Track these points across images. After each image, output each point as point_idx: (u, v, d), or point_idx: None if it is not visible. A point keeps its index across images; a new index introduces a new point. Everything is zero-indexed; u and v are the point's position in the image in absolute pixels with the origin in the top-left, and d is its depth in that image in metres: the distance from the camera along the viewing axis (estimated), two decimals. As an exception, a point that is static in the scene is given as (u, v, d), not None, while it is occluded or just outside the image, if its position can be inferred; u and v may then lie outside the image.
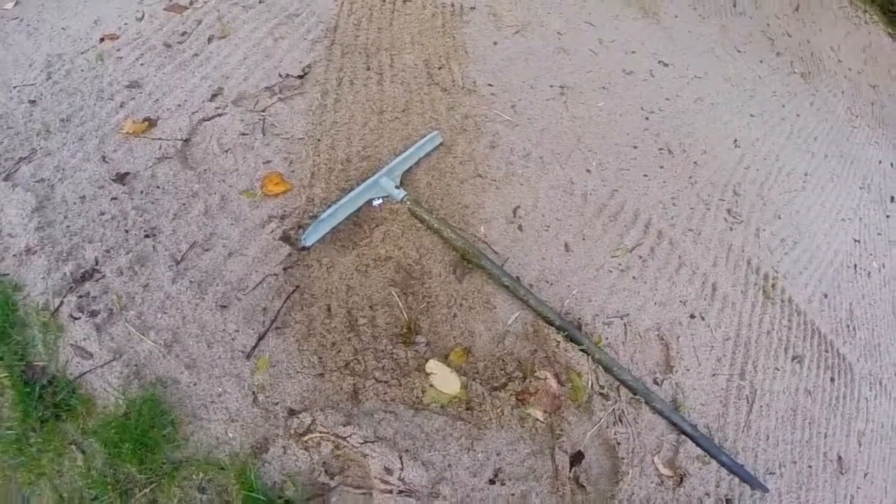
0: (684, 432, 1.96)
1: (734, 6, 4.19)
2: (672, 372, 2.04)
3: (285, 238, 1.76)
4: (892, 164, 4.05)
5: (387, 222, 1.90)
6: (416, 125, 2.22)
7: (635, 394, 1.90)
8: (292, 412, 1.35)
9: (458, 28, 2.66)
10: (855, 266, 3.12)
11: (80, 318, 1.38)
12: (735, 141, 3.10)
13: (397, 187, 1.95)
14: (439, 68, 2.47)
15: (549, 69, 2.73)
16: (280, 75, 2.20)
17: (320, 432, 1.30)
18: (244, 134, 1.99)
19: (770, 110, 3.56)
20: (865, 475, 2.38)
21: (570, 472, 1.66)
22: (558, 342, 1.83)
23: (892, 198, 3.72)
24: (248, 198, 1.83)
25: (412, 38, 2.52)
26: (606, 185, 2.40)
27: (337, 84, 2.25)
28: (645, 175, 2.57)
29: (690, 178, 2.71)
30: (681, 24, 3.66)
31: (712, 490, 1.88)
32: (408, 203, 1.93)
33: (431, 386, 1.55)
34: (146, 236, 1.60)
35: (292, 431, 1.30)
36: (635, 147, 2.65)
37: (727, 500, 1.97)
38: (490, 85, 2.50)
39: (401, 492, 1.28)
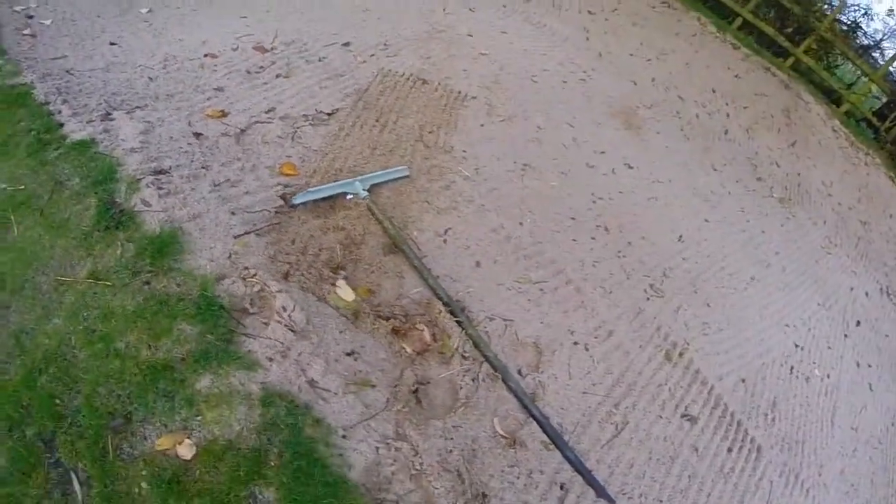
0: (533, 416, 2.70)
1: (725, 133, 5.50)
2: (539, 372, 2.95)
3: (283, 197, 3.12)
4: (866, 294, 4.90)
5: (350, 209, 3.20)
6: (395, 161, 3.60)
7: (495, 370, 2.89)
8: (246, 268, 2.60)
9: (456, 109, 4.21)
10: (791, 367, 3.92)
11: (151, 187, 2.69)
12: (680, 236, 4.23)
13: (365, 191, 3.32)
14: (429, 132, 3.94)
15: (518, 151, 4.12)
16: (316, 110, 3.71)
17: (256, 278, 2.55)
18: (280, 137, 3.46)
19: (731, 221, 4.65)
20: (756, 550, 2.96)
21: (412, 385, 2.70)
22: (441, 311, 2.97)
23: (859, 322, 4.53)
24: (269, 171, 3.26)
25: (418, 108, 4.06)
26: (533, 237, 3.61)
27: (351, 125, 3.75)
28: (574, 240, 3.76)
29: (620, 252, 3.86)
30: (660, 140, 4.98)
31: (548, 471, 2.57)
32: (368, 202, 3.29)
33: (335, 293, 2.76)
34: (201, 167, 2.97)
35: (241, 274, 2.55)
36: (573, 219, 3.89)
37: (561, 486, 2.57)
38: (464, 151, 3.92)
39: (286, 326, 2.46)
